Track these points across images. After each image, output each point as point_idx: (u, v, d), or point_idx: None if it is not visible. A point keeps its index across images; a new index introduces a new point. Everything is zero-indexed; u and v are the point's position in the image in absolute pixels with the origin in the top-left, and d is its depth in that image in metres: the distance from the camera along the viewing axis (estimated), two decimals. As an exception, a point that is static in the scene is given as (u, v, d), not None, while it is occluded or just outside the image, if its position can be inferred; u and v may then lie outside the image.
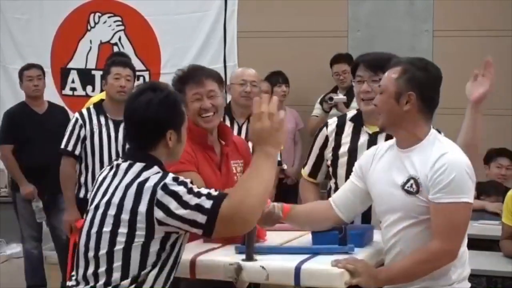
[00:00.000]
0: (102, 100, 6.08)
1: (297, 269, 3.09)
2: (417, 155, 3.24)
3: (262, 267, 3.14)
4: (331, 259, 3.15)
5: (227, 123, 5.69)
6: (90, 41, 8.71)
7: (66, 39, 8.68)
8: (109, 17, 8.67)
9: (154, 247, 2.96)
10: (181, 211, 2.90)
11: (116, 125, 5.88)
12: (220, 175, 3.92)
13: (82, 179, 5.96)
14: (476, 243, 5.56)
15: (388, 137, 3.89)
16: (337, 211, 3.53)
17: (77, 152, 5.89)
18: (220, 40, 8.37)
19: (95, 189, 3.14)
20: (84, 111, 5.99)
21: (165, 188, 2.93)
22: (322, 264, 3.15)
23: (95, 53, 8.65)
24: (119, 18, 8.64)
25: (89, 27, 8.70)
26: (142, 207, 2.92)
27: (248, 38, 8.34)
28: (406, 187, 3.22)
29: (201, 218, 2.90)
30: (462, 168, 3.16)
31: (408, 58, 3.38)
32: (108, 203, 3.01)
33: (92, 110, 5.97)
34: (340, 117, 4.27)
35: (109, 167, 3.17)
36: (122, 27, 8.63)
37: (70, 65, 8.66)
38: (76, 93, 8.66)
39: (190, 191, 2.94)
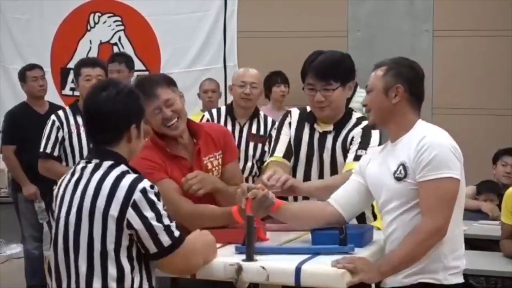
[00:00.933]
0: (77, 100, 6.05)
1: (298, 270, 3.08)
2: (405, 142, 3.34)
3: (263, 267, 3.13)
4: (332, 259, 3.14)
5: (229, 123, 5.70)
6: (90, 41, 8.72)
7: (66, 39, 8.70)
8: (109, 17, 8.68)
9: (123, 253, 2.97)
10: (155, 223, 2.96)
11: None
12: None
13: None
14: (476, 243, 5.57)
15: (335, 137, 4.00)
16: (339, 208, 3.54)
17: (55, 153, 5.83)
18: (220, 40, 8.38)
19: (59, 199, 3.12)
20: (61, 112, 5.92)
21: (144, 192, 2.97)
22: (322, 264, 3.14)
23: (95, 53, 8.66)
24: (119, 18, 8.65)
25: (89, 27, 8.72)
26: (115, 205, 2.95)
27: (248, 38, 8.34)
28: (396, 174, 3.30)
29: (166, 241, 2.99)
30: (444, 146, 3.25)
31: (392, 58, 3.49)
32: (80, 208, 3.01)
33: (68, 111, 5.91)
34: (301, 109, 4.21)
35: (69, 173, 3.15)
36: (122, 27, 8.64)
37: (70, 65, 8.62)
38: (76, 93, 8.62)
39: (163, 208, 3.01)
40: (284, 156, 4.11)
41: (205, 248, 3.20)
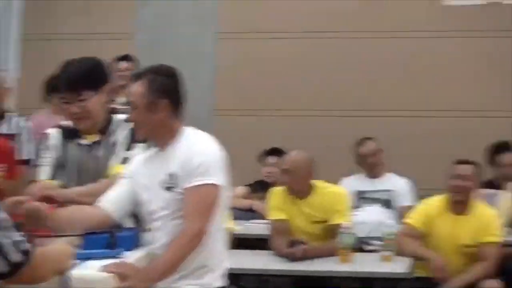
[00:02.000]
0: None
1: (66, 276, 3.02)
2: (173, 150, 3.47)
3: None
4: (102, 264, 3.20)
5: None
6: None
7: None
8: None
9: None
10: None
11: None
12: None
13: None
14: (247, 243, 5.72)
15: (104, 144, 3.94)
16: (108, 210, 3.57)
17: None
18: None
19: None
20: None
21: None
22: (91, 269, 3.19)
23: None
24: None
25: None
26: None
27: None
28: (166, 185, 3.44)
29: (16, 256, 2.62)
30: (208, 155, 3.43)
31: (151, 68, 3.56)
32: None
33: None
34: (62, 127, 4.07)
35: None
36: None
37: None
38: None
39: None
40: (53, 177, 4.00)
41: (56, 256, 2.87)
